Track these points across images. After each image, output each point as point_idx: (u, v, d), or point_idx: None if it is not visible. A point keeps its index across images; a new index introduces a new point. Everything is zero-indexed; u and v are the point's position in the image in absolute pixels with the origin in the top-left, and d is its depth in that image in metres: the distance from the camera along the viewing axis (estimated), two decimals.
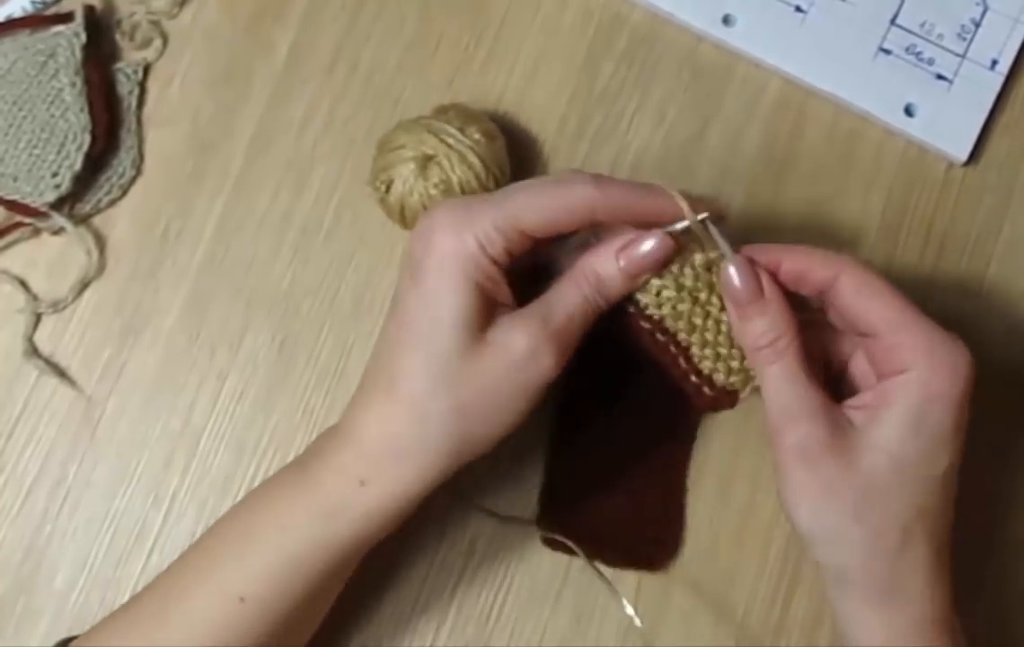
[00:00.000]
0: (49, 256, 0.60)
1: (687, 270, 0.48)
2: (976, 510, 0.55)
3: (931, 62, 0.60)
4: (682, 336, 0.48)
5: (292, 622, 0.48)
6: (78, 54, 0.59)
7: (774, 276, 0.47)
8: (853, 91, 0.60)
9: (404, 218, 0.56)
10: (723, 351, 0.48)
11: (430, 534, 0.56)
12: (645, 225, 0.47)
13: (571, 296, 0.47)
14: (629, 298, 0.48)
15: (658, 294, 0.48)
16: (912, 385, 0.45)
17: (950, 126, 0.59)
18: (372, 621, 0.56)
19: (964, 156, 0.59)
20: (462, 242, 0.46)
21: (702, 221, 0.47)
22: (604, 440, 0.56)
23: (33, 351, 0.58)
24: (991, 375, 0.57)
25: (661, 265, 0.47)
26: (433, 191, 0.54)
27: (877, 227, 0.59)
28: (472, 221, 0.46)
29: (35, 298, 0.59)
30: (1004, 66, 0.60)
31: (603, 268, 0.47)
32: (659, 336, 0.48)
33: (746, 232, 0.59)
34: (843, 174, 0.60)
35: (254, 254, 0.60)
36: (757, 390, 0.48)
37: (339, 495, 0.46)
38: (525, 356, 0.46)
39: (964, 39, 0.60)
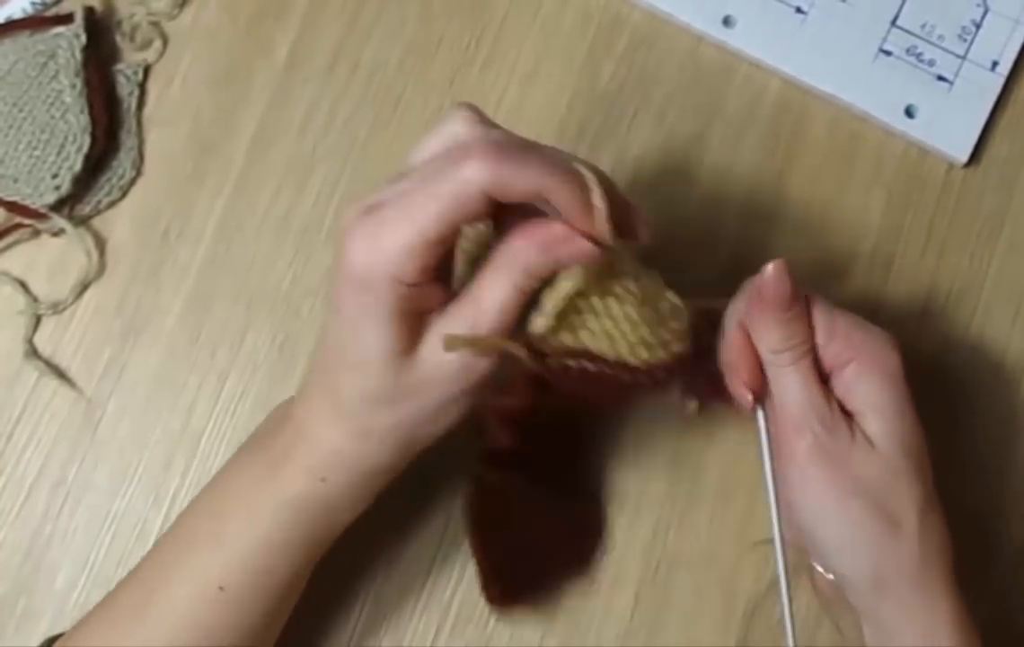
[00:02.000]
0: (49, 258, 0.60)
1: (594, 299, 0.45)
2: (977, 510, 0.55)
3: (932, 63, 0.60)
4: (604, 349, 0.45)
5: (267, 612, 0.48)
6: (78, 55, 0.59)
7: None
8: (853, 92, 0.60)
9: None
10: (636, 338, 0.45)
11: (431, 534, 0.56)
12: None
13: (501, 289, 0.43)
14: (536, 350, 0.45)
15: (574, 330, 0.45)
16: (864, 369, 0.47)
17: (951, 127, 0.59)
18: (372, 621, 0.56)
19: (965, 157, 0.59)
20: (373, 278, 0.43)
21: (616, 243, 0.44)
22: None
23: (33, 352, 0.58)
24: (991, 375, 0.57)
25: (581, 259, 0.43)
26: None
27: (877, 228, 0.59)
28: (381, 249, 0.42)
29: (35, 300, 0.59)
30: (1005, 67, 0.60)
31: (532, 260, 0.43)
32: (587, 365, 0.45)
33: (747, 234, 0.59)
34: (843, 175, 0.60)
35: (254, 254, 0.60)
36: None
37: (302, 487, 0.47)
38: (458, 369, 0.44)
39: (965, 40, 0.60)
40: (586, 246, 0.42)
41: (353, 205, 0.44)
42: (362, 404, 0.46)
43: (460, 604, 0.56)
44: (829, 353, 0.48)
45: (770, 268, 0.47)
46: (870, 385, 0.48)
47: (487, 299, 0.43)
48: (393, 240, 0.42)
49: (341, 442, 0.46)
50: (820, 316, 0.48)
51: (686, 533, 0.56)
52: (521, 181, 0.41)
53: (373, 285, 0.43)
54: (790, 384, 0.48)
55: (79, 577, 0.56)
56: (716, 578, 0.56)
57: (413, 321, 0.44)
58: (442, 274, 0.45)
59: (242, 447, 0.50)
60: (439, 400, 0.45)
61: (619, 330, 0.45)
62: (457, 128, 0.44)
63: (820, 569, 0.50)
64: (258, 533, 0.47)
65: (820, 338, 0.48)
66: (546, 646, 0.55)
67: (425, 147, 0.44)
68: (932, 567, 0.47)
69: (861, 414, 0.48)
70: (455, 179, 0.41)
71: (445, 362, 0.44)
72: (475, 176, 0.41)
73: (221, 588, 0.46)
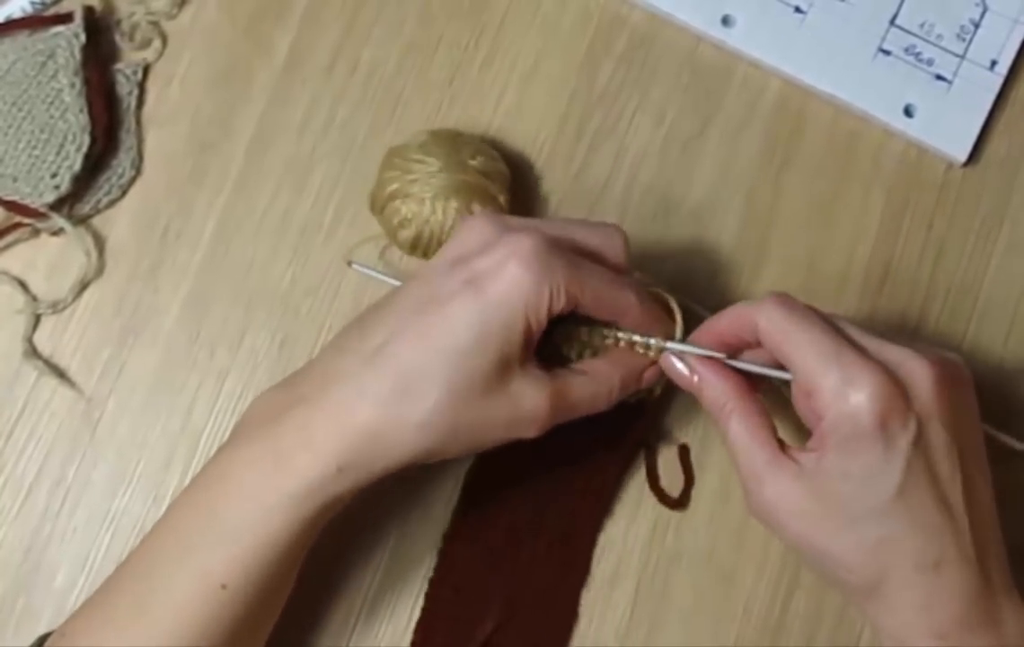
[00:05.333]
0: (48, 257, 0.60)
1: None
2: None
3: (930, 62, 0.60)
4: None
5: (265, 607, 0.48)
6: (77, 55, 0.59)
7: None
8: (853, 91, 0.60)
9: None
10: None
11: (430, 533, 0.56)
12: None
13: (589, 395, 0.50)
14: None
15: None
16: (832, 431, 0.45)
17: (949, 126, 0.59)
18: (372, 620, 0.56)
19: (963, 156, 0.59)
20: (538, 287, 0.46)
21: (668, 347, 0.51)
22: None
23: (33, 352, 0.58)
24: (990, 374, 0.57)
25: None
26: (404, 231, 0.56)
27: (877, 227, 0.59)
28: (552, 271, 0.46)
29: (34, 299, 0.59)
30: (1003, 66, 0.60)
31: (628, 384, 0.51)
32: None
33: (746, 233, 0.59)
34: (842, 174, 0.60)
35: (254, 254, 0.60)
36: None
37: (315, 478, 0.46)
38: (522, 419, 0.48)
39: (963, 39, 0.60)
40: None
41: (489, 215, 0.49)
42: (440, 394, 0.46)
43: None
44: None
45: (658, 366, 0.51)
46: (826, 451, 0.46)
47: (575, 390, 0.49)
48: (560, 271, 0.46)
49: (389, 421, 0.46)
50: (803, 356, 0.46)
51: (685, 532, 0.56)
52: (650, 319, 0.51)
53: (532, 294, 0.46)
54: (730, 441, 0.48)
55: (78, 576, 0.56)
56: (715, 577, 0.56)
57: (525, 348, 0.47)
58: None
59: (236, 438, 0.49)
60: (490, 430, 0.48)
61: None
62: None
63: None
64: (263, 531, 0.46)
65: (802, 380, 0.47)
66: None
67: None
68: (897, 608, 0.46)
69: (817, 460, 0.46)
70: (623, 292, 0.49)
71: (522, 406, 0.47)
72: (634, 304, 0.49)
73: (223, 586, 0.46)
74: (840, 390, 0.45)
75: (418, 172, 0.55)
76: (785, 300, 0.47)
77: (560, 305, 0.47)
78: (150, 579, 0.47)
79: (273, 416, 0.48)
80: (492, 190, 0.55)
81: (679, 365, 0.50)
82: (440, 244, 0.55)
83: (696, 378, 0.49)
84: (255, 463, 0.47)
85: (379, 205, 0.56)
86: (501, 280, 0.46)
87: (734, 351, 0.50)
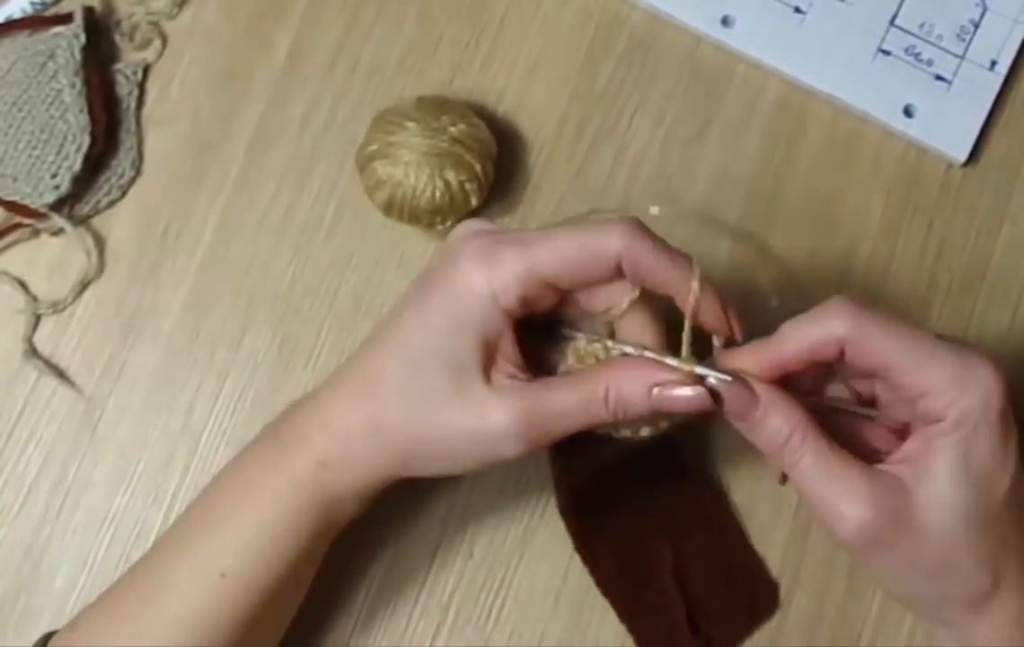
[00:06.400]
0: (49, 257, 0.60)
1: None
2: None
3: (930, 63, 0.60)
4: None
5: (272, 600, 0.48)
6: (77, 55, 0.59)
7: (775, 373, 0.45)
8: (852, 92, 0.60)
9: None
10: None
11: (430, 534, 0.56)
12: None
13: (576, 401, 0.45)
14: None
15: None
16: (951, 427, 0.42)
17: (949, 127, 0.59)
18: (370, 621, 0.56)
19: (963, 157, 0.59)
20: (474, 286, 0.44)
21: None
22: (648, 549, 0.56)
23: (33, 352, 0.58)
24: None
25: (691, 412, 0.45)
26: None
27: (877, 228, 0.59)
28: (492, 264, 0.44)
29: (35, 299, 0.59)
30: (1003, 67, 0.60)
31: (631, 392, 0.45)
32: None
33: (746, 234, 0.59)
34: (842, 175, 0.60)
35: (254, 254, 0.60)
36: None
37: (303, 471, 0.47)
38: (494, 435, 0.45)
39: (963, 40, 0.60)
40: (705, 398, 0.44)
41: (471, 222, 0.47)
42: (396, 398, 0.46)
43: (459, 604, 0.56)
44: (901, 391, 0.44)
45: (723, 391, 0.44)
46: (937, 454, 0.43)
47: (557, 402, 0.45)
48: (506, 258, 0.44)
49: (354, 425, 0.47)
50: (884, 353, 0.43)
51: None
52: (653, 262, 0.44)
53: (471, 295, 0.44)
54: (805, 479, 0.44)
55: (79, 576, 0.56)
56: None
57: (487, 352, 0.45)
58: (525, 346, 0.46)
59: (255, 437, 0.50)
60: (457, 447, 0.46)
61: None
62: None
63: None
64: (260, 517, 0.47)
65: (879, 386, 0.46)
66: (545, 646, 0.56)
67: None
68: (1004, 617, 0.44)
69: (922, 467, 0.43)
70: (593, 234, 0.44)
71: (486, 422, 0.45)
72: (617, 242, 0.44)
73: (223, 575, 0.46)
74: (959, 378, 0.42)
75: (398, 135, 0.55)
76: (855, 302, 0.44)
77: (512, 295, 0.44)
78: (156, 571, 0.48)
79: (287, 415, 0.49)
80: (468, 158, 0.55)
81: (727, 399, 0.44)
82: (412, 209, 0.56)
83: (759, 403, 0.44)
84: (260, 457, 0.48)
85: (360, 164, 0.57)
86: (441, 291, 0.45)
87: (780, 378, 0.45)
